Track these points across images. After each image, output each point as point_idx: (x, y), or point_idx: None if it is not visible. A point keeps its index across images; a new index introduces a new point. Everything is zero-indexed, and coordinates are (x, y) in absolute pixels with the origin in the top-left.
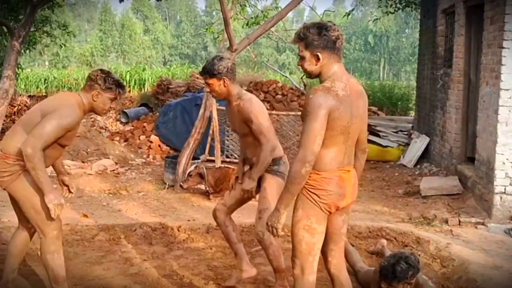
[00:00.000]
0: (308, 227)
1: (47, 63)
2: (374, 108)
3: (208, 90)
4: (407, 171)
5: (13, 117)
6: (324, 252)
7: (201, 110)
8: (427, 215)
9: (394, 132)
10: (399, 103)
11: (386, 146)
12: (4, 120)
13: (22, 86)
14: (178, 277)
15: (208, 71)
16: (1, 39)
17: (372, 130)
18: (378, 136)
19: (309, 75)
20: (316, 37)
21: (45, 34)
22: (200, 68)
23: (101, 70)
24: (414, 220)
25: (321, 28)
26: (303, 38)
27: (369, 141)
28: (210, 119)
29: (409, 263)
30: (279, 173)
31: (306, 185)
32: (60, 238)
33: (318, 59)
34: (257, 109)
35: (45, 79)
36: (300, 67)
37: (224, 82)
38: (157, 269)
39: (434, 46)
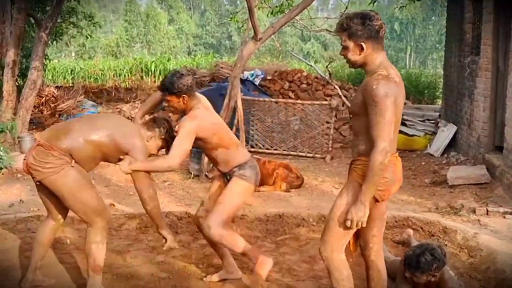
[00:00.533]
0: None
1: (73, 54)
2: None
3: (166, 104)
4: (434, 160)
5: (41, 107)
6: (366, 239)
7: (226, 100)
8: (454, 205)
9: (420, 121)
10: (426, 91)
11: (412, 135)
12: (33, 111)
13: (50, 77)
14: (204, 265)
15: (168, 89)
16: (29, 30)
17: None
18: (405, 125)
19: (353, 65)
20: (360, 27)
21: (72, 25)
22: (224, 58)
23: (167, 120)
24: (440, 210)
25: (364, 18)
26: (346, 28)
27: None
28: (235, 109)
29: (434, 256)
30: (245, 177)
31: (364, 173)
32: (107, 229)
33: (362, 49)
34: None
35: (71, 70)
36: (342, 56)
37: (184, 99)
38: (183, 258)
39: (462, 33)
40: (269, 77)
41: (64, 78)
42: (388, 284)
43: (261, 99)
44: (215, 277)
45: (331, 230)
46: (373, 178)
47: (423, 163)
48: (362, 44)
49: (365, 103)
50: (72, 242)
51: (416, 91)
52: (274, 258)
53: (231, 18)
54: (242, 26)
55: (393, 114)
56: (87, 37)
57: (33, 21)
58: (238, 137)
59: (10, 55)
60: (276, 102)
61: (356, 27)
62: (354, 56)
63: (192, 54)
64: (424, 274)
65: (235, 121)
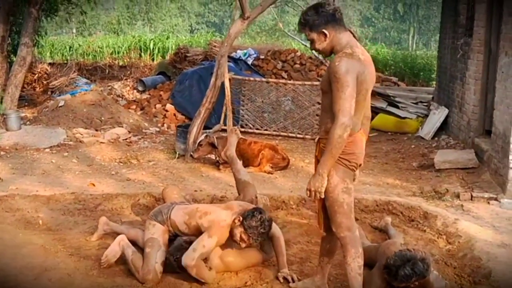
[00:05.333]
0: (346, 188)
1: (74, 30)
2: (394, 79)
3: None
4: (424, 144)
5: (33, 84)
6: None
7: (212, 79)
8: (439, 189)
9: (413, 103)
10: (422, 73)
11: (404, 118)
12: (25, 87)
13: (48, 54)
14: None
15: None
16: (22, 6)
17: (390, 101)
18: (397, 107)
19: (324, 53)
20: (316, 16)
21: (66, 1)
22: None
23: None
24: (425, 194)
25: (316, 7)
26: (305, 23)
27: (387, 112)
28: (224, 88)
29: (414, 270)
30: None
31: None
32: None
33: (325, 35)
34: None
35: (70, 47)
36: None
37: None
38: None
39: (456, 14)
40: (262, 57)
41: (63, 55)
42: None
43: (251, 78)
44: None
45: (338, 211)
46: (331, 150)
47: (412, 146)
48: (324, 30)
49: (330, 80)
50: (45, 223)
51: (411, 73)
52: None
53: None
54: (231, 4)
55: (354, 90)
56: (81, 14)
57: None
58: (226, 116)
59: None
60: (267, 82)
61: (312, 18)
62: (321, 44)
63: (194, 33)
64: (402, 284)
65: (224, 101)
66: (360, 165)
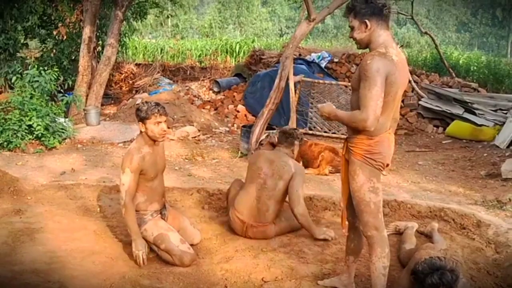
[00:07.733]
0: (372, 188)
1: (169, 34)
2: (474, 84)
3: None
4: (498, 152)
5: (120, 83)
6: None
7: (276, 81)
8: (502, 199)
9: (492, 110)
10: (506, 80)
11: (481, 125)
12: (113, 87)
13: (141, 56)
14: (218, 241)
15: None
16: (110, 10)
17: (467, 108)
18: (474, 114)
19: (360, 44)
20: (364, 5)
21: (154, 4)
22: (312, 40)
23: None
24: (487, 203)
25: None
26: (352, 8)
27: (463, 119)
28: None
29: (442, 280)
30: None
31: (361, 151)
32: None
33: (366, 26)
34: None
35: (161, 49)
36: (352, 39)
37: None
38: (200, 232)
39: None
40: (336, 60)
41: (154, 56)
42: (394, 273)
43: (321, 81)
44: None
45: (365, 211)
46: (344, 120)
47: (485, 155)
48: (366, 21)
49: (360, 78)
50: (102, 210)
51: (494, 79)
52: (288, 239)
53: None
54: (300, 6)
55: (382, 90)
56: (168, 17)
57: None
58: (297, 119)
59: (86, 32)
60: (337, 85)
61: (360, 5)
62: (360, 34)
63: (284, 36)
64: None
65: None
66: (387, 165)
